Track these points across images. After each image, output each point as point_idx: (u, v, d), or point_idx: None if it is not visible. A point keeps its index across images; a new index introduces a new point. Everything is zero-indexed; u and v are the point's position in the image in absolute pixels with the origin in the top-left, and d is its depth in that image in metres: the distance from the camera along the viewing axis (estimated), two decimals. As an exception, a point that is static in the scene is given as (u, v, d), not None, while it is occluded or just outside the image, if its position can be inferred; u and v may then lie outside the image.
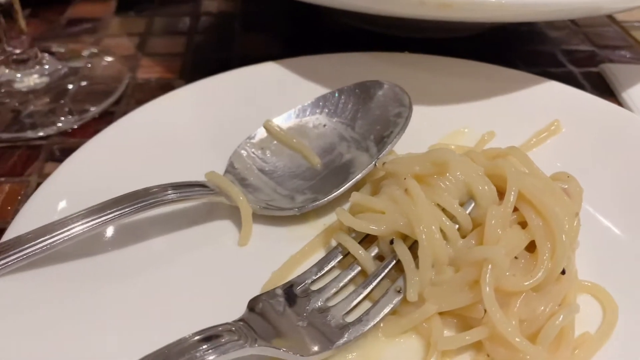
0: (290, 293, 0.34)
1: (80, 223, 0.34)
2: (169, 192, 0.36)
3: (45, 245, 0.33)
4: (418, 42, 0.59)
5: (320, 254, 0.38)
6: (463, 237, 0.35)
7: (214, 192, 0.38)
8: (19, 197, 0.45)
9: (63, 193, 0.38)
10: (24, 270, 0.33)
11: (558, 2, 0.44)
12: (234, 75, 0.49)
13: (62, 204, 0.38)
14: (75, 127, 0.52)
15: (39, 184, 0.46)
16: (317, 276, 0.36)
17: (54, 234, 0.33)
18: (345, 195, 0.41)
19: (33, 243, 0.33)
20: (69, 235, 0.33)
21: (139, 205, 0.35)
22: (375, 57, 0.53)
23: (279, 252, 0.38)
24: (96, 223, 0.34)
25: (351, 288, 0.35)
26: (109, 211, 0.34)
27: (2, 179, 0.47)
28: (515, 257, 0.34)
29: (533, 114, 0.48)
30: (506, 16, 0.45)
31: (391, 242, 0.35)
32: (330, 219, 0.41)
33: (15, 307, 0.32)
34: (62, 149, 0.50)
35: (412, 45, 0.55)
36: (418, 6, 0.43)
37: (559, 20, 0.67)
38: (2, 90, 0.55)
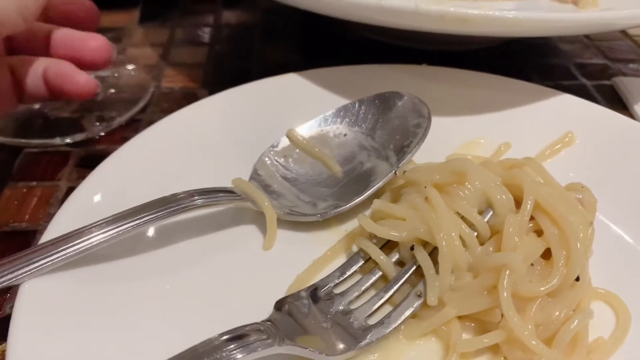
0: (315, 295, 0.36)
1: (113, 227, 0.35)
2: (196, 197, 0.38)
3: (82, 247, 0.34)
4: (434, 54, 0.61)
5: (342, 259, 0.40)
6: (481, 244, 0.37)
7: (240, 198, 0.40)
8: (50, 201, 0.47)
9: (95, 198, 0.40)
10: (60, 271, 0.35)
11: (573, 18, 0.45)
12: (256, 86, 0.51)
13: (94, 209, 0.39)
14: (102, 134, 0.54)
15: (69, 189, 0.48)
16: (340, 280, 0.37)
17: (89, 236, 0.34)
18: (366, 203, 0.42)
19: (71, 244, 0.34)
20: (103, 237, 0.35)
21: (168, 210, 0.37)
22: (394, 69, 0.54)
23: (302, 256, 0.39)
24: (128, 227, 0.35)
25: (372, 292, 0.37)
26: (139, 216, 0.36)
27: (34, 183, 0.49)
28: (532, 264, 0.35)
29: (547, 125, 0.49)
30: (522, 31, 0.47)
31: (411, 248, 0.37)
32: (351, 225, 0.42)
33: (51, 306, 0.34)
34: (89, 155, 0.52)
35: (429, 57, 0.56)
36: (436, 21, 0.45)
37: (573, 35, 0.68)
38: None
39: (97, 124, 0.55)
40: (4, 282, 0.33)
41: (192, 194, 0.38)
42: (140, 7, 0.78)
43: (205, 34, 0.72)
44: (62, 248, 0.34)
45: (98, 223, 0.35)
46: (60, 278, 0.34)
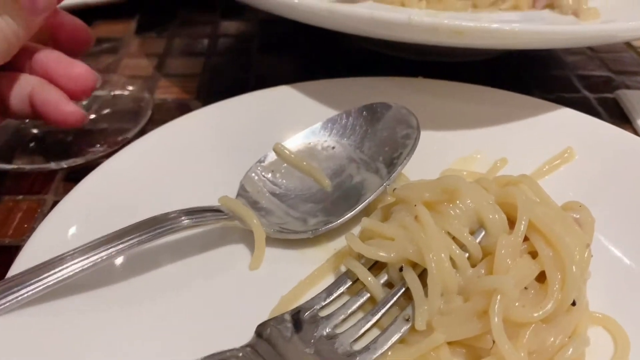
0: (299, 319, 0.34)
1: (92, 254, 0.33)
2: (183, 218, 0.36)
3: (59, 277, 0.33)
4: (433, 65, 0.60)
5: (329, 279, 0.38)
6: (473, 266, 0.35)
7: (227, 217, 0.38)
8: (36, 216, 0.46)
9: (77, 214, 0.39)
10: (34, 303, 0.33)
11: (572, 30, 0.44)
12: (244, 99, 0.50)
13: (75, 226, 0.38)
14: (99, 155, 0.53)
15: (55, 203, 0.47)
16: (326, 302, 0.36)
17: (67, 264, 0.33)
18: (357, 218, 0.41)
19: (47, 274, 0.32)
20: (83, 266, 0.33)
21: (153, 233, 0.35)
22: (389, 81, 0.53)
23: (289, 276, 0.38)
24: (110, 253, 0.34)
25: (360, 315, 0.35)
26: (122, 240, 0.34)
27: (20, 197, 0.48)
28: (525, 288, 0.34)
29: (546, 140, 0.48)
30: (519, 44, 0.45)
31: (400, 269, 0.35)
32: (340, 242, 0.41)
33: (27, 336, 0.32)
34: (78, 168, 0.51)
35: (427, 68, 0.55)
36: (430, 33, 0.44)
37: (574, 47, 0.67)
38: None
39: (98, 146, 0.53)
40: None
41: (179, 214, 0.37)
42: (138, 17, 0.77)
43: (202, 44, 0.72)
44: (36, 279, 0.32)
45: (76, 250, 0.34)
46: (33, 311, 0.33)
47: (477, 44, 0.45)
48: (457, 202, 0.36)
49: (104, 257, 0.34)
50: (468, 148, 0.49)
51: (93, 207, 0.40)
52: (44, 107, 0.44)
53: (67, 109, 0.44)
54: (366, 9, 0.47)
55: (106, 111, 0.58)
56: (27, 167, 0.51)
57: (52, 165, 0.51)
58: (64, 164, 0.51)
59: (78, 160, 0.51)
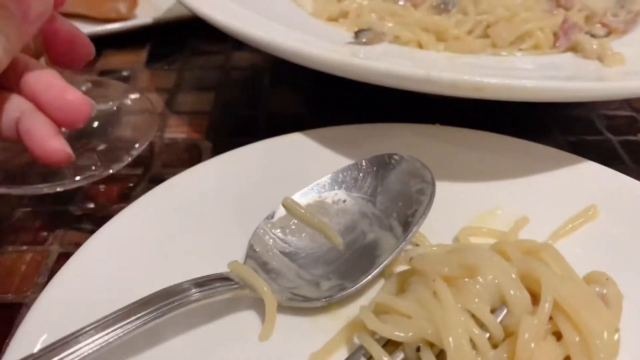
0: (309, 401, 0.33)
1: (107, 331, 0.32)
2: (193, 291, 0.35)
3: (76, 356, 0.30)
4: (450, 103, 0.58)
5: (342, 352, 0.36)
6: (494, 346, 0.33)
7: (238, 286, 0.37)
8: (40, 270, 0.45)
9: (78, 284, 0.37)
10: None
11: (594, 87, 0.42)
12: (251, 150, 0.48)
13: (72, 305, 0.36)
14: (102, 189, 0.52)
15: (60, 255, 0.46)
16: (338, 381, 0.34)
17: (73, 349, 0.31)
18: (371, 282, 0.40)
19: (66, 353, 0.30)
20: (99, 344, 0.31)
21: (165, 309, 0.34)
22: (404, 128, 0.51)
23: (300, 348, 0.36)
24: (125, 330, 0.32)
25: (373, 396, 0.34)
26: (136, 316, 0.33)
27: (25, 247, 0.47)
28: (550, 373, 0.32)
29: (569, 196, 0.46)
30: (542, 99, 0.44)
31: (417, 349, 0.34)
32: (354, 309, 0.39)
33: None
34: (83, 215, 0.50)
35: (446, 106, 0.53)
36: (449, 88, 0.42)
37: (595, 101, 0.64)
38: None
39: (93, 168, 0.50)
40: None
41: (189, 287, 0.35)
42: (148, 47, 0.76)
43: (213, 77, 0.70)
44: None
45: (90, 328, 0.32)
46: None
47: (498, 98, 0.43)
48: (478, 277, 0.35)
49: (120, 335, 0.32)
50: (487, 203, 0.47)
51: (92, 277, 0.38)
52: (28, 139, 0.38)
53: (51, 146, 0.38)
54: (382, 55, 0.46)
55: (109, 139, 0.55)
56: (13, 191, 0.48)
57: (45, 189, 0.48)
58: (59, 188, 0.49)
59: (71, 184, 0.49)
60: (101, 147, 0.54)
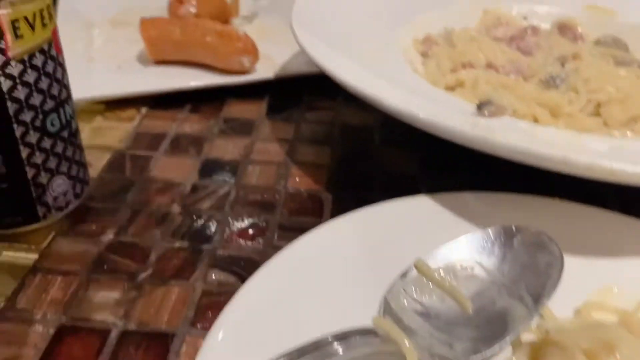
0: None
1: None
2: (335, 345, 0.38)
3: None
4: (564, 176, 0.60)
5: (475, 416, 0.39)
6: None
7: (382, 341, 0.40)
8: (186, 303, 0.49)
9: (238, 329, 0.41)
10: None
11: None
12: (380, 210, 0.52)
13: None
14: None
15: (203, 292, 0.51)
16: None
17: None
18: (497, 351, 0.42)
19: None
20: None
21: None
22: (523, 199, 0.54)
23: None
24: None
25: None
26: None
27: (173, 281, 0.52)
28: None
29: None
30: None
31: (556, 418, 0.36)
32: (482, 372, 0.42)
33: None
34: (222, 256, 0.55)
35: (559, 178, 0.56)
36: (584, 171, 0.45)
37: None
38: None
39: (227, 228, 0.57)
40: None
41: (332, 340, 0.38)
42: (267, 99, 0.82)
43: (327, 132, 0.75)
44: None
45: None
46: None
47: (632, 185, 0.45)
48: (616, 353, 0.37)
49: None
50: (603, 279, 0.49)
51: (245, 327, 0.42)
52: None
53: None
54: (502, 128, 0.49)
55: (240, 192, 0.62)
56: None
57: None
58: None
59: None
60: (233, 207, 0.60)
